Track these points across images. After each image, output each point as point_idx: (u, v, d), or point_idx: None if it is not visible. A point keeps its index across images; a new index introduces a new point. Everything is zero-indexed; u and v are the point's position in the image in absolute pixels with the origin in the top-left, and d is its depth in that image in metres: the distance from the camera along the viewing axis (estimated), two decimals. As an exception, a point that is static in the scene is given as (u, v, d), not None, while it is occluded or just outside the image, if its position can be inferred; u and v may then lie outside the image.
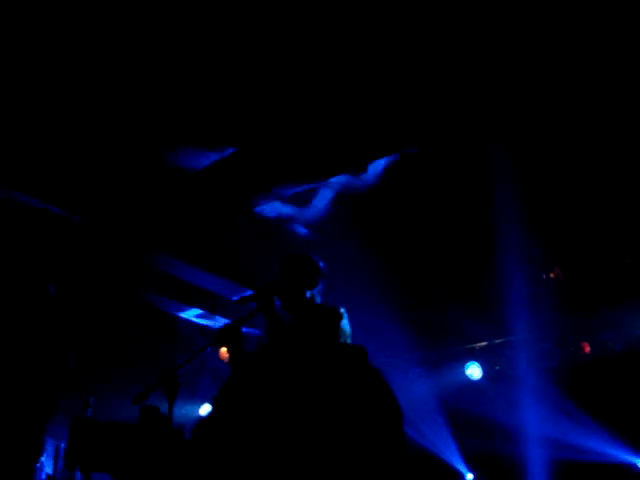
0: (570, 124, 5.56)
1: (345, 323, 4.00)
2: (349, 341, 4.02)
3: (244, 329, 4.06)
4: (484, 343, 8.03)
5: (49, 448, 7.06)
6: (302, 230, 7.31)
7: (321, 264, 4.19)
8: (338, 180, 6.34)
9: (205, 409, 9.40)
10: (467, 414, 7.38)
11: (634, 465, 6.91)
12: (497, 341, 7.90)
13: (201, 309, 8.37)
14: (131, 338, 8.17)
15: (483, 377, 8.02)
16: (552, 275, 7.34)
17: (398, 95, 5.15)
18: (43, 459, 6.98)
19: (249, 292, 4.59)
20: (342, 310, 4.02)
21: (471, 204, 6.35)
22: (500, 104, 5.23)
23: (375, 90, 5.12)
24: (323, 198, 6.73)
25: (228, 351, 3.67)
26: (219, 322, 8.58)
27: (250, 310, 4.10)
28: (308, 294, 4.08)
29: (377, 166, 6.07)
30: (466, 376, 8.07)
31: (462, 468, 7.97)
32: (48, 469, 7.07)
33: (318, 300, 4.13)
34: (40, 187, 6.08)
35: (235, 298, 5.47)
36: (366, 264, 6.93)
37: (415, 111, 5.31)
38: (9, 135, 5.58)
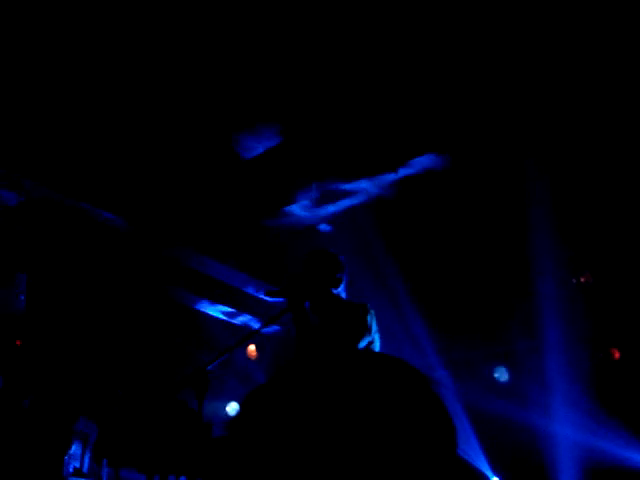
0: (602, 130, 5.54)
1: (373, 318, 4.01)
2: (378, 336, 4.03)
3: (269, 328, 4.09)
4: (513, 346, 7.98)
5: (78, 442, 7.13)
6: (328, 229, 7.32)
7: (342, 258, 4.19)
8: (366, 186, 6.36)
9: (232, 407, 9.45)
10: (494, 418, 7.33)
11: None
12: (527, 344, 7.84)
13: (228, 306, 8.40)
14: (159, 334, 8.23)
15: (511, 380, 7.98)
16: (582, 279, 7.28)
17: (437, 98, 5.17)
18: (72, 452, 7.06)
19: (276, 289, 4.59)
20: (369, 306, 4.03)
21: (503, 208, 6.33)
22: (532, 111, 5.22)
23: (415, 94, 5.14)
24: (351, 200, 6.75)
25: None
26: (245, 319, 8.63)
27: (280, 308, 4.13)
28: (334, 291, 4.10)
29: (407, 170, 6.08)
30: (494, 379, 8.04)
31: (488, 472, 7.93)
32: (76, 462, 7.14)
33: (344, 296, 4.13)
34: (80, 188, 6.15)
35: (262, 294, 5.48)
36: (392, 265, 6.93)
37: (452, 116, 5.33)
38: (35, 129, 5.64)
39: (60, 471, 6.85)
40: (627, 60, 4.70)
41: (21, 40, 4.69)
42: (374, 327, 3.99)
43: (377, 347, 4.02)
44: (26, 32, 4.61)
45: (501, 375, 8.04)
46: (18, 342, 7.54)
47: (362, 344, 3.88)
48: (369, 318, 3.96)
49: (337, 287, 4.11)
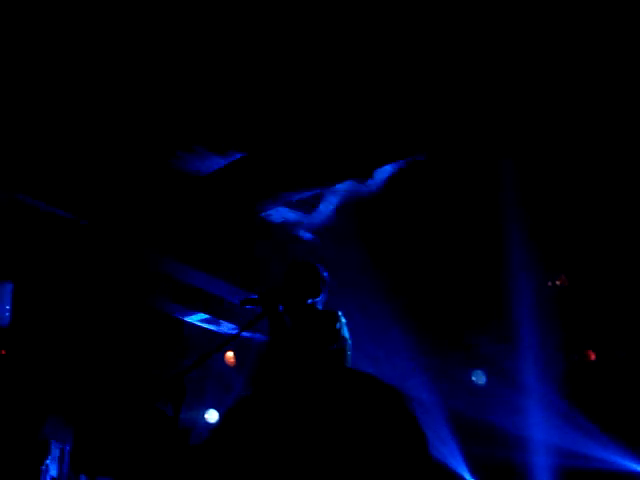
0: (575, 132, 5.59)
1: (343, 326, 4.07)
2: (349, 344, 4.09)
3: (245, 334, 4.10)
4: (489, 349, 8.03)
5: (54, 451, 7.09)
6: (307, 235, 7.35)
7: (325, 274, 4.27)
8: (344, 186, 6.36)
9: (211, 415, 9.42)
10: (471, 420, 7.37)
11: (638, 473, 6.90)
12: (502, 347, 7.90)
13: (206, 313, 8.37)
14: (138, 342, 8.19)
15: (487, 383, 8.02)
16: (558, 282, 7.35)
17: (405, 102, 5.18)
18: (48, 462, 7.01)
19: (254, 296, 4.64)
20: (340, 314, 4.09)
21: (476, 211, 6.37)
22: (506, 112, 5.25)
23: (382, 97, 5.14)
24: (329, 204, 6.76)
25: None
26: (224, 327, 8.60)
27: (255, 314, 4.16)
28: (309, 301, 4.16)
29: (383, 173, 6.10)
30: (471, 382, 8.08)
31: (466, 475, 7.96)
32: (53, 472, 7.10)
33: (319, 307, 4.20)
34: (47, 190, 6.11)
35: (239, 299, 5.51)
36: (370, 269, 6.95)
37: (422, 119, 5.34)
38: (15, 138, 5.61)
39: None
40: (603, 60, 4.74)
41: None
42: (345, 334, 4.05)
43: (348, 354, 4.08)
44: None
45: (478, 378, 8.08)
46: (3, 351, 7.49)
47: (329, 350, 3.94)
48: (338, 325, 4.02)
49: (314, 297, 4.17)
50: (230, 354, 8.81)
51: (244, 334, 4.73)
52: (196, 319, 8.61)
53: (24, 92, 5.20)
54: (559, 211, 6.44)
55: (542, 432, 7.16)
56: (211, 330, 8.78)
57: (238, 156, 5.93)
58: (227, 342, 4.36)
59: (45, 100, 5.30)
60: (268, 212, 6.77)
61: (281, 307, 4.08)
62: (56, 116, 5.47)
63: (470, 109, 5.22)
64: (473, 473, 7.94)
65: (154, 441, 4.65)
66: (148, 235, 6.78)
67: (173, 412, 3.77)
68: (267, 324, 4.10)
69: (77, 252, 7.05)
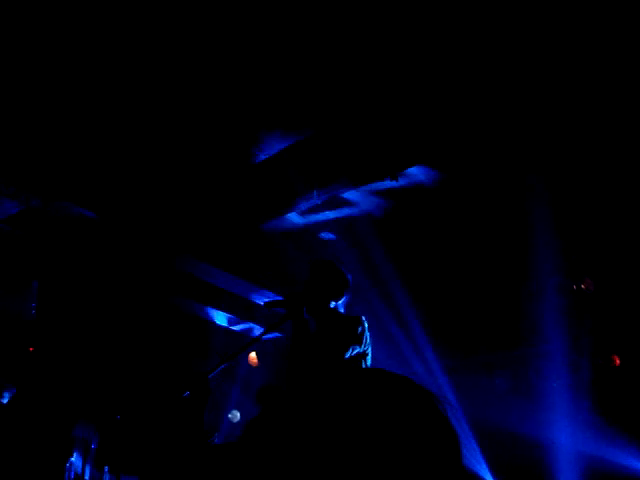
0: (601, 135, 5.56)
1: (366, 330, 4.09)
2: (370, 348, 4.11)
3: (269, 335, 4.15)
4: (514, 353, 7.99)
5: (79, 449, 7.15)
6: (331, 236, 7.35)
7: (349, 276, 4.27)
8: (368, 188, 6.37)
9: (234, 415, 9.46)
10: (494, 425, 7.33)
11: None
12: (527, 352, 7.86)
13: (230, 314, 8.42)
14: (162, 342, 8.25)
15: (511, 388, 7.98)
16: (583, 286, 7.29)
17: (431, 105, 5.20)
18: (73, 459, 7.08)
19: (278, 297, 4.66)
20: (363, 318, 4.11)
21: (503, 215, 6.35)
22: (530, 119, 5.24)
23: (413, 100, 5.17)
24: (353, 205, 6.77)
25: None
26: (248, 327, 8.64)
27: (279, 315, 4.19)
28: (332, 304, 4.18)
29: (409, 176, 6.10)
30: (493, 386, 8.05)
31: (485, 475, 7.92)
32: (78, 469, 7.16)
33: (341, 310, 4.22)
34: (76, 193, 6.18)
35: (263, 301, 5.55)
36: (396, 271, 6.95)
37: (449, 126, 5.35)
38: (39, 142, 5.67)
39: (62, 478, 6.88)
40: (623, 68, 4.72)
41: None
42: (366, 339, 4.07)
43: (369, 359, 4.10)
44: None
45: (501, 383, 8.04)
46: (31, 349, 7.58)
47: (351, 354, 3.97)
48: (360, 329, 4.05)
49: (337, 300, 4.19)
50: (253, 355, 8.86)
51: (267, 335, 4.76)
52: (220, 320, 8.66)
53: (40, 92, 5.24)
54: (585, 215, 6.40)
55: (566, 437, 7.11)
56: (235, 331, 8.83)
57: (263, 157, 5.95)
58: (251, 343, 4.39)
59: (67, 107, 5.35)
60: (292, 213, 6.78)
61: (305, 309, 4.11)
62: (78, 119, 5.52)
63: (493, 116, 5.23)
64: (496, 478, 7.90)
65: (179, 440, 4.67)
66: (175, 237, 6.82)
67: (198, 412, 3.82)
68: (291, 326, 4.13)
69: (104, 253, 7.12)
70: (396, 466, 1.11)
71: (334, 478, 1.10)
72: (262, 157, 5.90)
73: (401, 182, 6.15)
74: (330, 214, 6.93)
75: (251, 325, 8.57)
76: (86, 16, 4.46)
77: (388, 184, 6.22)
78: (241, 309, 8.34)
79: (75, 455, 7.14)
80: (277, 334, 7.50)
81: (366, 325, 4.13)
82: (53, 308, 7.65)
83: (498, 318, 7.36)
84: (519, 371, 7.92)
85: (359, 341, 4.05)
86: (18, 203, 6.20)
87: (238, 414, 9.46)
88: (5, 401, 6.72)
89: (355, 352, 4.02)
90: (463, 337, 7.83)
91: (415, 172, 6.09)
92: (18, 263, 7.20)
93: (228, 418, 9.44)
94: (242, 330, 8.75)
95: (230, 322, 8.73)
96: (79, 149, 5.79)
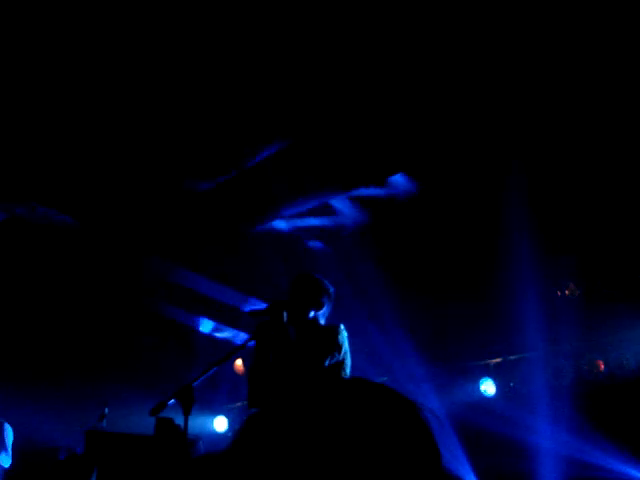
0: (584, 140, 5.59)
1: (345, 339, 4.12)
2: (349, 355, 4.14)
3: (250, 343, 4.20)
4: (498, 359, 8.02)
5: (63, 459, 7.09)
6: (317, 244, 7.35)
7: (330, 288, 4.32)
8: (356, 194, 6.38)
9: (219, 422, 9.42)
10: (480, 430, 7.34)
11: (647, 483, 6.86)
12: (512, 357, 7.89)
13: (215, 321, 8.40)
14: (147, 350, 8.22)
15: (497, 393, 8.01)
16: (567, 292, 7.33)
17: (417, 108, 5.21)
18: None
19: (262, 305, 4.68)
20: (342, 327, 4.14)
21: (485, 220, 6.37)
22: (510, 118, 5.27)
23: (397, 104, 5.18)
24: (340, 213, 6.77)
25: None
26: (233, 334, 8.61)
27: (261, 322, 4.20)
28: (312, 314, 4.21)
29: (395, 181, 6.11)
30: (480, 392, 8.06)
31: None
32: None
33: (321, 321, 4.26)
34: (54, 197, 6.16)
35: (247, 310, 5.54)
36: (380, 279, 6.96)
37: (431, 124, 5.37)
38: (22, 145, 5.64)
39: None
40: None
41: None
42: (345, 347, 4.11)
43: (348, 367, 4.13)
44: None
45: (487, 388, 8.06)
46: None
47: (330, 362, 4.00)
48: (339, 338, 4.08)
49: (317, 310, 4.24)
50: (239, 362, 8.83)
51: (252, 343, 4.76)
52: (205, 327, 8.64)
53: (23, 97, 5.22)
54: (569, 219, 6.43)
55: (551, 442, 7.13)
56: (220, 338, 8.80)
57: (248, 165, 5.95)
58: (235, 351, 4.38)
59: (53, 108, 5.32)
60: (278, 221, 6.78)
61: (286, 318, 4.15)
62: (65, 125, 5.50)
63: (476, 114, 5.25)
64: (482, 484, 7.91)
65: (164, 449, 4.65)
66: (159, 244, 6.81)
67: (183, 421, 3.81)
68: (270, 334, 4.16)
69: (86, 261, 7.09)
70: (376, 474, 1.11)
71: None
72: (247, 164, 5.91)
73: (384, 191, 6.18)
74: (315, 221, 6.94)
75: (236, 332, 8.54)
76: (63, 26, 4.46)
77: (372, 192, 6.24)
78: (226, 316, 8.33)
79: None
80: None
81: (345, 334, 4.17)
82: (34, 315, 7.60)
83: (482, 324, 7.38)
84: (503, 376, 7.95)
85: (338, 349, 4.08)
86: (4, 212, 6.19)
87: (224, 421, 9.43)
88: None
89: (334, 360, 4.06)
90: (447, 344, 7.86)
91: (398, 181, 6.12)
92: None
93: (213, 426, 9.41)
94: (227, 337, 8.72)
95: (215, 329, 8.71)
96: (60, 155, 5.77)
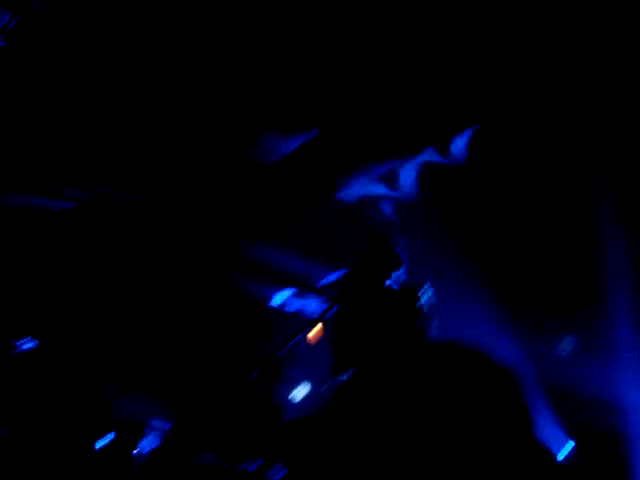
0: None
1: (424, 303, 4.06)
2: (432, 318, 4.09)
3: (330, 312, 4.20)
4: (580, 315, 7.87)
5: (154, 427, 7.28)
6: (388, 209, 7.30)
7: (404, 253, 4.28)
8: (422, 158, 6.30)
9: (299, 391, 9.52)
10: (564, 387, 7.26)
11: None
12: (594, 313, 7.73)
13: (289, 292, 8.45)
14: (223, 323, 8.34)
15: (579, 349, 7.89)
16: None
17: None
18: (147, 439, 7.22)
19: (334, 276, 4.69)
20: (426, 286, 4.09)
21: (564, 181, 6.16)
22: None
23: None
24: (408, 176, 6.70)
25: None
26: (308, 304, 8.65)
27: (336, 295, 4.21)
28: (388, 281, 4.19)
29: (462, 142, 6.00)
30: (562, 348, 7.97)
31: (561, 441, 7.85)
32: (149, 450, 7.30)
33: (396, 287, 4.22)
34: (130, 182, 6.27)
35: (321, 283, 5.55)
36: (452, 245, 6.89)
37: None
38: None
39: (130, 465, 7.03)
40: None
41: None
42: (427, 310, 4.05)
43: (434, 329, 4.08)
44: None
45: (568, 345, 7.95)
46: None
47: (412, 326, 3.96)
48: (420, 303, 4.03)
49: (392, 278, 4.21)
50: (315, 332, 8.87)
51: (331, 312, 4.78)
52: (279, 299, 8.70)
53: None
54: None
55: (637, 398, 7.00)
56: (294, 309, 8.86)
57: (310, 136, 5.92)
58: (315, 321, 4.43)
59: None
60: (347, 188, 6.76)
61: (362, 286, 4.14)
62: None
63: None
64: (567, 439, 7.82)
65: (251, 417, 4.75)
66: (230, 218, 6.87)
67: (269, 389, 3.87)
68: (349, 303, 4.16)
69: (166, 239, 7.22)
70: (470, 437, 1.10)
71: (412, 447, 1.09)
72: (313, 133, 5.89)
73: (450, 159, 6.07)
74: (384, 190, 6.89)
75: (311, 302, 8.58)
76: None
77: (437, 159, 6.14)
78: (300, 287, 8.37)
79: (146, 438, 7.28)
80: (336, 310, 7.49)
81: (428, 294, 4.11)
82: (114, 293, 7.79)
83: (566, 280, 7.22)
84: (587, 333, 7.81)
85: (418, 314, 4.05)
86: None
87: (302, 392, 9.52)
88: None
89: (417, 325, 4.02)
90: (530, 302, 7.71)
91: (463, 148, 5.98)
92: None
93: (291, 397, 9.51)
94: (300, 308, 8.77)
95: (289, 300, 8.76)
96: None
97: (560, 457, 7.26)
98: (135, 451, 7.08)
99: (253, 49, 5.12)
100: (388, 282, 4.22)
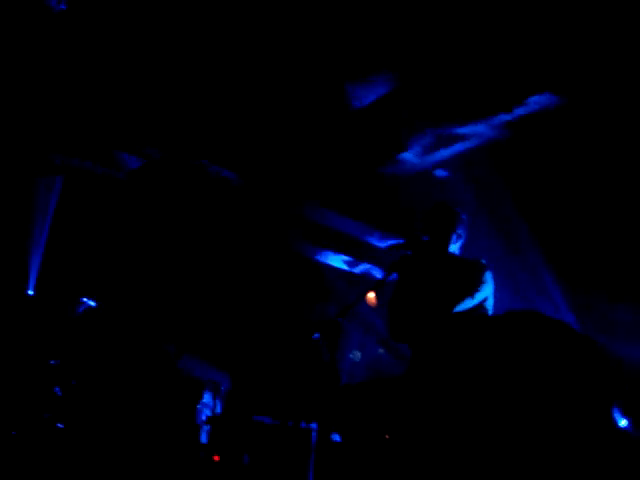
0: None
1: (488, 276, 4.03)
2: (492, 294, 4.05)
3: (391, 277, 4.20)
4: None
5: (209, 391, 7.44)
6: (446, 174, 7.21)
7: (465, 217, 4.24)
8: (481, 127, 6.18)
9: (355, 355, 9.59)
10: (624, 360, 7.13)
11: None
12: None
13: (350, 257, 8.49)
14: (282, 286, 8.42)
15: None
16: None
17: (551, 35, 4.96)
18: (204, 401, 7.39)
19: (398, 240, 4.69)
20: (484, 262, 4.06)
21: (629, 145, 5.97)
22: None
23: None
24: (468, 141, 6.59)
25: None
26: (367, 269, 8.68)
27: (402, 256, 4.19)
28: (451, 248, 4.17)
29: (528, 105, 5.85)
30: (616, 317, 7.82)
31: (616, 415, 7.74)
32: (208, 411, 7.47)
33: (458, 253, 4.20)
34: (199, 147, 6.35)
35: (383, 245, 5.52)
36: (512, 206, 6.77)
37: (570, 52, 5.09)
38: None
39: (193, 419, 7.21)
40: None
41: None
42: (489, 285, 4.02)
43: (490, 304, 4.05)
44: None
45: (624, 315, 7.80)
46: None
47: (473, 302, 3.93)
48: (482, 275, 4.00)
49: (455, 242, 4.19)
50: (372, 295, 8.90)
51: (392, 277, 4.78)
52: (338, 262, 8.75)
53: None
54: None
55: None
56: (354, 273, 8.90)
57: (383, 91, 5.85)
58: (377, 286, 4.43)
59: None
60: (407, 154, 6.70)
61: (424, 252, 4.12)
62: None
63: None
64: (623, 413, 7.71)
65: (309, 380, 4.82)
66: (295, 184, 6.91)
67: (330, 353, 3.91)
68: (409, 270, 4.15)
69: (218, 202, 7.30)
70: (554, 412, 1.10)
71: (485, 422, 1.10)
72: (370, 99, 5.84)
73: (519, 111, 5.93)
74: (445, 152, 6.79)
75: (370, 266, 8.61)
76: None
77: (504, 116, 6.02)
78: (360, 252, 8.39)
79: (205, 397, 7.44)
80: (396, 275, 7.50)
81: (487, 269, 4.09)
82: (175, 254, 7.93)
83: (625, 250, 7.03)
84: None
85: (481, 285, 4.01)
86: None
87: (359, 354, 9.59)
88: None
89: (478, 299, 3.99)
90: (587, 272, 7.54)
91: (535, 100, 5.83)
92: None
93: (350, 358, 9.59)
94: (361, 272, 8.81)
95: (349, 265, 8.80)
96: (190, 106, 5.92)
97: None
98: (199, 406, 7.28)
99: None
100: (451, 248, 4.21)
